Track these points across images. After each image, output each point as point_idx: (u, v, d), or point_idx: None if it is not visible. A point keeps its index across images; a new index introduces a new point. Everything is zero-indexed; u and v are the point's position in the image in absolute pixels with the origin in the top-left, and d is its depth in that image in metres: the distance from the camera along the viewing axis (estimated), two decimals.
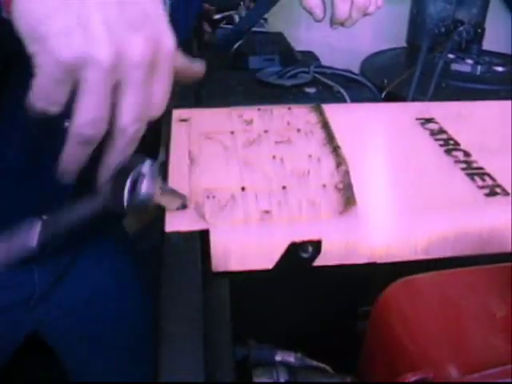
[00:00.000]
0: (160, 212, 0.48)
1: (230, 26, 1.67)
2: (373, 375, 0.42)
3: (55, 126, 0.62)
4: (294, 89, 0.75)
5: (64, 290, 0.80)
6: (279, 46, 0.97)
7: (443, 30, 0.91)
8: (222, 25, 2.09)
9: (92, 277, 0.81)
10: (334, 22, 0.70)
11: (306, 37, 1.28)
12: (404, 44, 1.07)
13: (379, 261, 0.48)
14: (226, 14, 2.05)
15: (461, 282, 0.41)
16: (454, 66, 0.90)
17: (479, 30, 0.92)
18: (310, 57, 1.06)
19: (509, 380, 0.34)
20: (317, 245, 0.46)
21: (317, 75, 0.76)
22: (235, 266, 0.47)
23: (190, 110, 0.66)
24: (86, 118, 0.37)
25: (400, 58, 1.02)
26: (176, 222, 0.46)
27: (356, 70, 1.04)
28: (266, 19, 1.45)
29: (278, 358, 0.43)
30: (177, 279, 0.41)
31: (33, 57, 0.35)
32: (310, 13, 0.69)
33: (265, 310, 0.50)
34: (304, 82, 0.75)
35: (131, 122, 0.38)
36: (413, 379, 0.36)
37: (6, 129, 0.62)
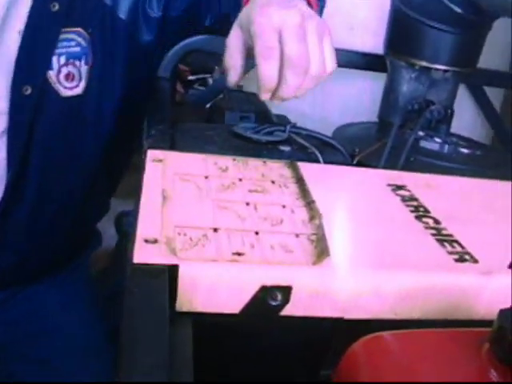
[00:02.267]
0: (126, 244, 0.46)
1: (203, 88, 1.69)
2: None
3: None
4: (269, 145, 0.75)
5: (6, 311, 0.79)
6: (255, 105, 0.98)
7: (416, 107, 0.94)
8: (195, 86, 2.12)
9: (39, 305, 0.81)
10: (261, 89, 0.59)
11: (280, 103, 1.31)
12: (375, 119, 1.10)
13: (347, 316, 0.47)
14: (201, 76, 2.09)
15: (428, 343, 0.41)
16: (423, 143, 0.93)
17: (449, 111, 0.96)
18: (283, 120, 1.08)
19: None
20: (286, 292, 0.45)
21: (293, 135, 0.77)
22: (201, 306, 0.45)
23: (165, 151, 0.66)
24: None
25: (371, 131, 1.05)
26: (145, 255, 0.44)
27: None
28: (241, 85, 1.48)
29: None
30: (142, 316, 0.39)
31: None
32: (226, 73, 0.64)
33: (227, 358, 0.48)
34: (279, 140, 0.76)
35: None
36: None
37: None
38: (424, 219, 0.58)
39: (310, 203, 0.57)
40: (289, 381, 0.49)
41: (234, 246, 0.47)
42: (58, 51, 0.81)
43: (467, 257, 0.51)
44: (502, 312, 0.39)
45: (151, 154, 0.65)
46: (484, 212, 0.63)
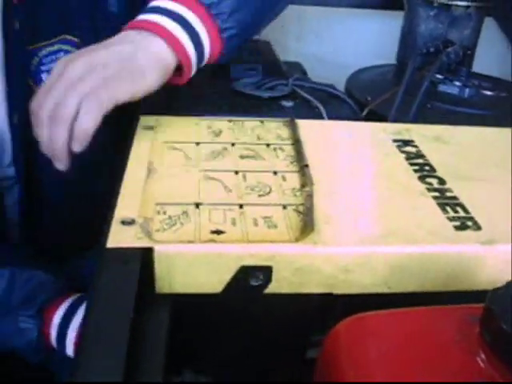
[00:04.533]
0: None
1: None
2: None
3: None
4: (270, 101, 0.71)
5: None
6: (264, 55, 0.93)
7: (432, 49, 0.88)
8: None
9: None
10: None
11: (295, 47, 1.26)
12: (394, 61, 1.05)
13: (336, 291, 0.45)
14: None
15: (416, 322, 0.38)
16: (442, 88, 0.87)
17: (469, 52, 0.90)
18: (296, 68, 1.03)
19: None
20: (268, 272, 0.42)
21: (296, 88, 0.73)
22: (180, 288, 0.43)
23: (157, 117, 0.63)
24: None
25: (388, 75, 1.00)
26: (119, 238, 0.42)
27: (344, 84, 1.01)
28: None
29: None
30: (108, 300, 0.38)
31: None
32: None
33: (210, 337, 0.47)
34: (281, 95, 0.72)
35: None
36: None
37: None
38: (428, 179, 0.54)
39: (303, 168, 0.53)
40: (276, 360, 0.47)
41: (214, 223, 0.45)
42: (44, 68, 0.75)
43: (469, 223, 0.48)
44: (493, 292, 0.35)
45: (143, 120, 0.62)
46: (499, 168, 0.59)
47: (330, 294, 0.45)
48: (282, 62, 0.98)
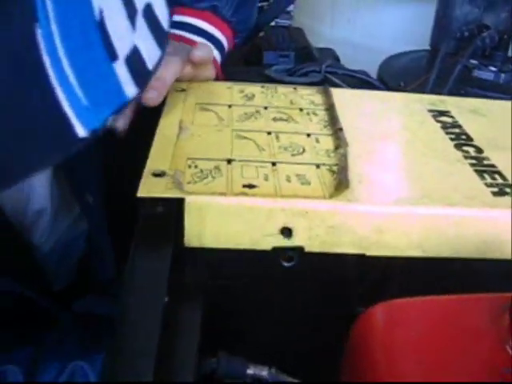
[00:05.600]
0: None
1: None
2: None
3: None
4: None
5: None
6: (296, 42, 0.93)
7: (466, 34, 0.86)
8: None
9: None
10: None
11: (329, 33, 1.25)
12: (428, 47, 1.03)
13: (368, 253, 0.43)
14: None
15: (447, 310, 0.36)
16: (476, 73, 0.85)
17: (505, 37, 0.88)
18: (329, 54, 1.02)
19: None
20: (301, 253, 0.42)
21: (328, 75, 0.72)
22: (210, 242, 0.42)
23: (189, 82, 0.63)
24: None
25: (422, 61, 0.98)
26: (149, 188, 0.42)
27: (377, 70, 1.00)
28: (290, 12, 1.41)
29: (249, 371, 0.39)
30: (143, 252, 0.37)
31: None
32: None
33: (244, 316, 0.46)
34: (314, 82, 0.71)
35: None
36: None
37: None
38: (465, 148, 0.53)
39: (337, 131, 0.52)
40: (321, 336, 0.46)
41: (246, 178, 0.44)
42: None
43: (508, 189, 0.46)
44: None
45: (175, 84, 0.62)
46: None
47: (362, 256, 0.43)
48: (314, 49, 0.98)
